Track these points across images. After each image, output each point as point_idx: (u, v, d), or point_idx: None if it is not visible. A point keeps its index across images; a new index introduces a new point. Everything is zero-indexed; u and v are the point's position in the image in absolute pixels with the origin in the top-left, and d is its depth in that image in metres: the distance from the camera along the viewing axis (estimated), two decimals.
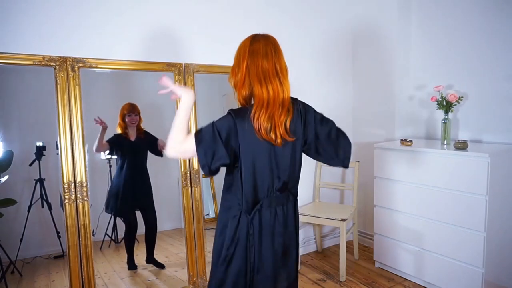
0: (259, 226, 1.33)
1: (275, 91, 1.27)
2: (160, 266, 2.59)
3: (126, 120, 2.45)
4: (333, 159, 1.43)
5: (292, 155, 1.35)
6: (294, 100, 1.38)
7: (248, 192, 1.32)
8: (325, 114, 1.46)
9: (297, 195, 1.47)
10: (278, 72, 1.30)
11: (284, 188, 1.37)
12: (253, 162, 1.30)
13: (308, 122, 1.39)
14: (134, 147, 2.50)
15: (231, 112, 1.30)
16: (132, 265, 2.54)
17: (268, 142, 1.29)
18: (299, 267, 1.62)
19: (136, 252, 2.57)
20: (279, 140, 1.28)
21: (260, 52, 1.29)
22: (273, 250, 1.37)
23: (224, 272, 1.35)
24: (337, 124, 1.46)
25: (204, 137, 1.26)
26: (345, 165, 1.44)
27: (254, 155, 1.30)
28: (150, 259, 2.59)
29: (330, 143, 1.42)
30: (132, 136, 2.49)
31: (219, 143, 1.25)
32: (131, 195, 2.53)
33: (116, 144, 2.46)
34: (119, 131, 2.46)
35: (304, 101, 1.43)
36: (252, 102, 1.31)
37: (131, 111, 2.45)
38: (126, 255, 2.54)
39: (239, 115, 1.28)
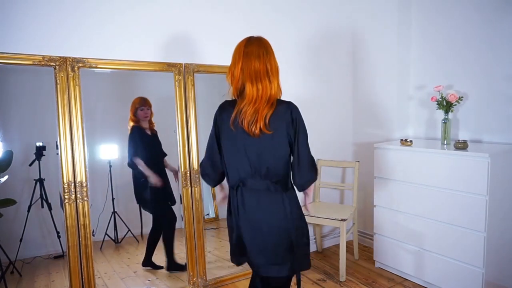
0: (242, 201, 1.53)
1: (264, 89, 1.46)
2: (158, 268, 2.58)
3: (139, 114, 2.41)
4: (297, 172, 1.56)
5: (271, 147, 1.47)
6: (286, 102, 1.51)
7: (230, 171, 1.56)
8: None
9: (285, 185, 1.54)
10: (268, 72, 1.48)
11: (265, 176, 1.49)
12: (228, 147, 1.53)
13: (295, 118, 1.49)
14: (152, 141, 2.47)
15: (218, 109, 1.59)
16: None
17: (243, 132, 1.47)
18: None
19: (136, 252, 2.57)
20: (257, 131, 1.44)
21: (253, 54, 1.48)
22: (250, 229, 1.52)
23: (230, 239, 1.63)
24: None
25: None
26: (299, 189, 1.60)
27: (229, 142, 1.52)
28: (148, 262, 2.55)
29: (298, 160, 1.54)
30: (147, 130, 2.46)
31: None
32: (160, 187, 2.52)
33: (139, 137, 2.43)
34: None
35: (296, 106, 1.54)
36: (244, 96, 1.50)
37: (142, 104, 2.42)
38: (126, 255, 2.53)
39: (223, 107, 1.57)
